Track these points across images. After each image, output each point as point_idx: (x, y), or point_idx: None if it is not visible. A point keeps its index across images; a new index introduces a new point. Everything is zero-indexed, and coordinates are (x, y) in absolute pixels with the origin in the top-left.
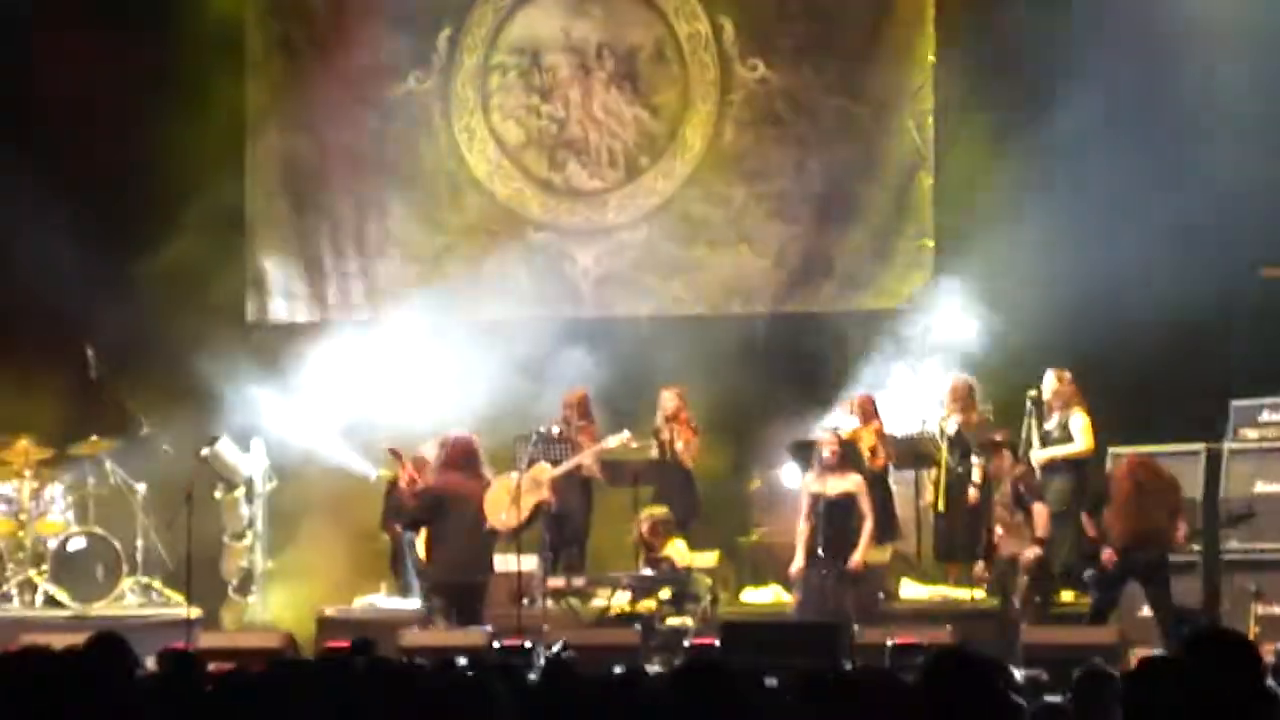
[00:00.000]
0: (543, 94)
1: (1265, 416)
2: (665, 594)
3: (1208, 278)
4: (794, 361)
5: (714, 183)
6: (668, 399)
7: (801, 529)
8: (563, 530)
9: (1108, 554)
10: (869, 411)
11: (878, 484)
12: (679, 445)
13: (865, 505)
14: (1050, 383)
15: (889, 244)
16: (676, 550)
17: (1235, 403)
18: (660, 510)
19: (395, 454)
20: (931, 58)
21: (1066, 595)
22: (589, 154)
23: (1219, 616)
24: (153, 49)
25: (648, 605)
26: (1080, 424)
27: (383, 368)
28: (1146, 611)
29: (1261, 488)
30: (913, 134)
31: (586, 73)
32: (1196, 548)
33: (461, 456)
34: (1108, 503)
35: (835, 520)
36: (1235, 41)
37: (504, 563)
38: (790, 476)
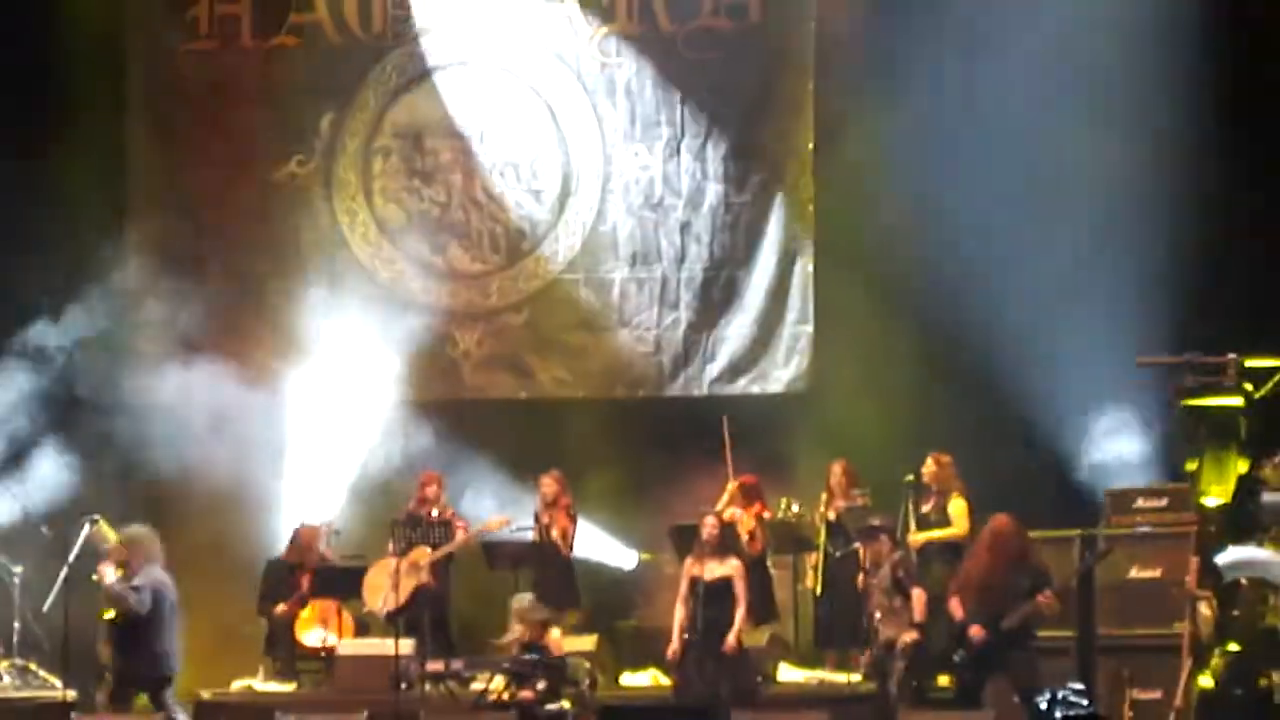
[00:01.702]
0: (424, 177)
1: (1139, 503)
2: (541, 684)
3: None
4: (675, 446)
5: (596, 267)
6: (547, 484)
7: (679, 612)
8: (433, 612)
9: (975, 629)
10: (750, 495)
11: (756, 568)
12: (555, 532)
13: (740, 589)
14: (929, 466)
15: (770, 329)
16: (553, 638)
17: (1109, 489)
18: (535, 611)
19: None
20: (811, 146)
21: (944, 680)
22: (470, 237)
23: (1094, 701)
24: (36, 129)
25: (526, 691)
26: (958, 508)
27: (258, 448)
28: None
29: (1136, 573)
30: (793, 221)
31: (468, 156)
32: (1069, 633)
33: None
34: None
35: (713, 604)
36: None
37: (382, 646)
38: (669, 560)
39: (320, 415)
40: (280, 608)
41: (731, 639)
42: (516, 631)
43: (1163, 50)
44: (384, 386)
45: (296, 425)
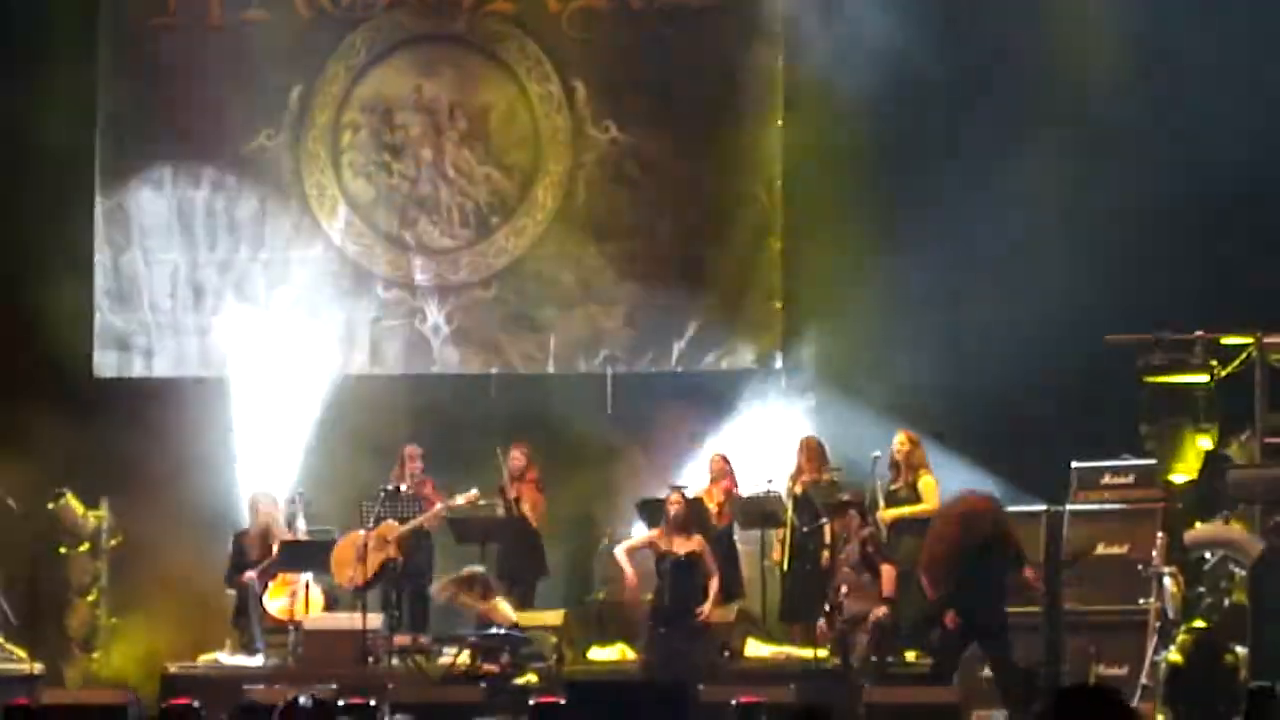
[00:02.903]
0: (394, 152)
1: (1107, 479)
2: (504, 657)
3: (1053, 341)
4: (643, 421)
5: (565, 242)
6: (515, 457)
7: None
8: (407, 586)
9: (950, 616)
10: (719, 471)
11: (722, 542)
12: (524, 505)
13: (711, 563)
14: (897, 443)
15: (738, 305)
16: (500, 611)
17: (1077, 465)
18: (472, 570)
19: None
20: (780, 122)
21: (911, 655)
22: (440, 212)
23: (1060, 676)
24: (3, 101)
25: (490, 665)
26: (927, 485)
27: (227, 423)
28: (988, 671)
29: (1102, 550)
30: (761, 198)
31: (438, 131)
32: (1036, 608)
33: None
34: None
35: (681, 579)
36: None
37: (350, 620)
38: (638, 535)
39: (275, 390)
40: (248, 574)
41: (707, 608)
42: (447, 595)
43: None
44: (348, 359)
45: (254, 399)
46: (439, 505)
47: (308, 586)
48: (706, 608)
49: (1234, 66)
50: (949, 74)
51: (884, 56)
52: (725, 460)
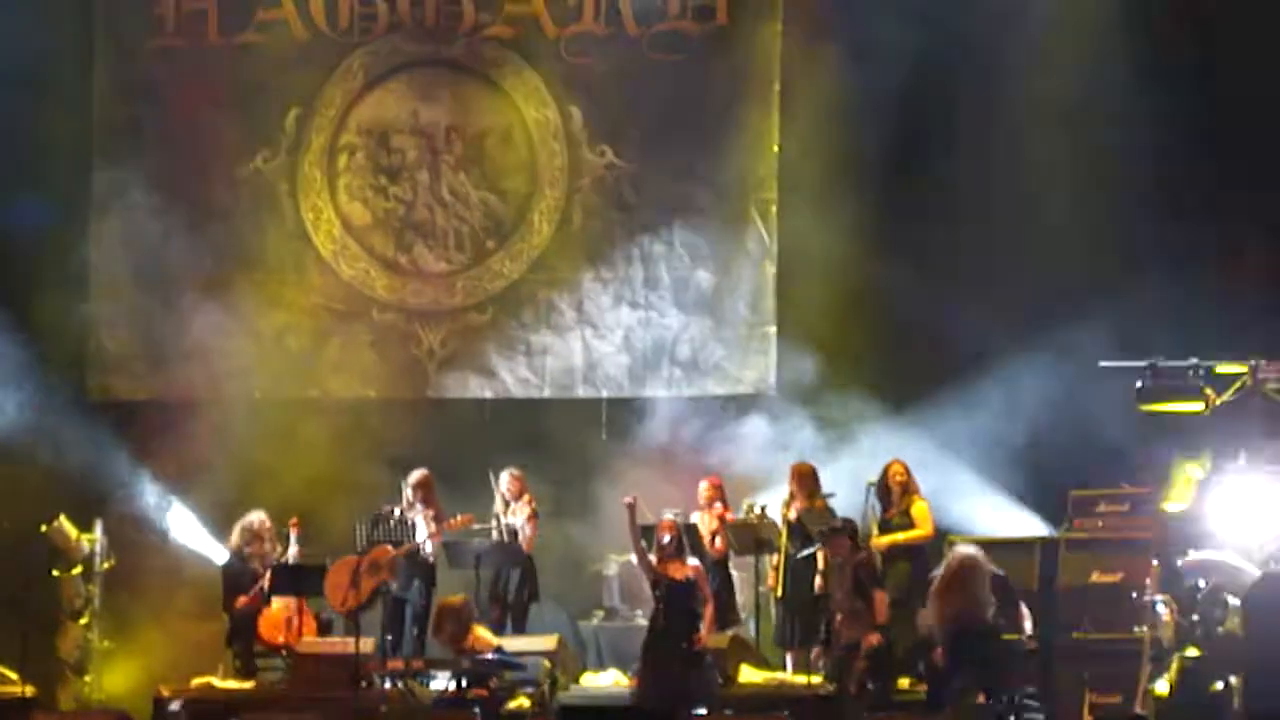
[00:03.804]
0: (390, 175)
1: (1102, 508)
2: (493, 682)
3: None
4: (638, 446)
5: (560, 267)
6: (509, 481)
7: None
8: (404, 613)
9: (938, 653)
10: (712, 497)
11: (718, 569)
12: (520, 528)
13: (706, 589)
14: (892, 471)
15: (733, 330)
16: (481, 638)
17: (1073, 493)
18: (454, 600)
19: None
20: (776, 148)
21: (904, 682)
22: (435, 236)
23: (1054, 705)
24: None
25: (479, 690)
26: (920, 510)
27: (228, 445)
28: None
29: (1098, 577)
30: (757, 223)
31: (434, 155)
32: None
33: None
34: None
35: (675, 605)
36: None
37: (342, 644)
38: (631, 560)
39: (268, 413)
40: (241, 600)
41: (703, 635)
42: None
43: None
44: (348, 385)
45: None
46: (431, 528)
47: (302, 611)
48: (703, 634)
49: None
50: (947, 104)
51: (884, 85)
52: (718, 486)
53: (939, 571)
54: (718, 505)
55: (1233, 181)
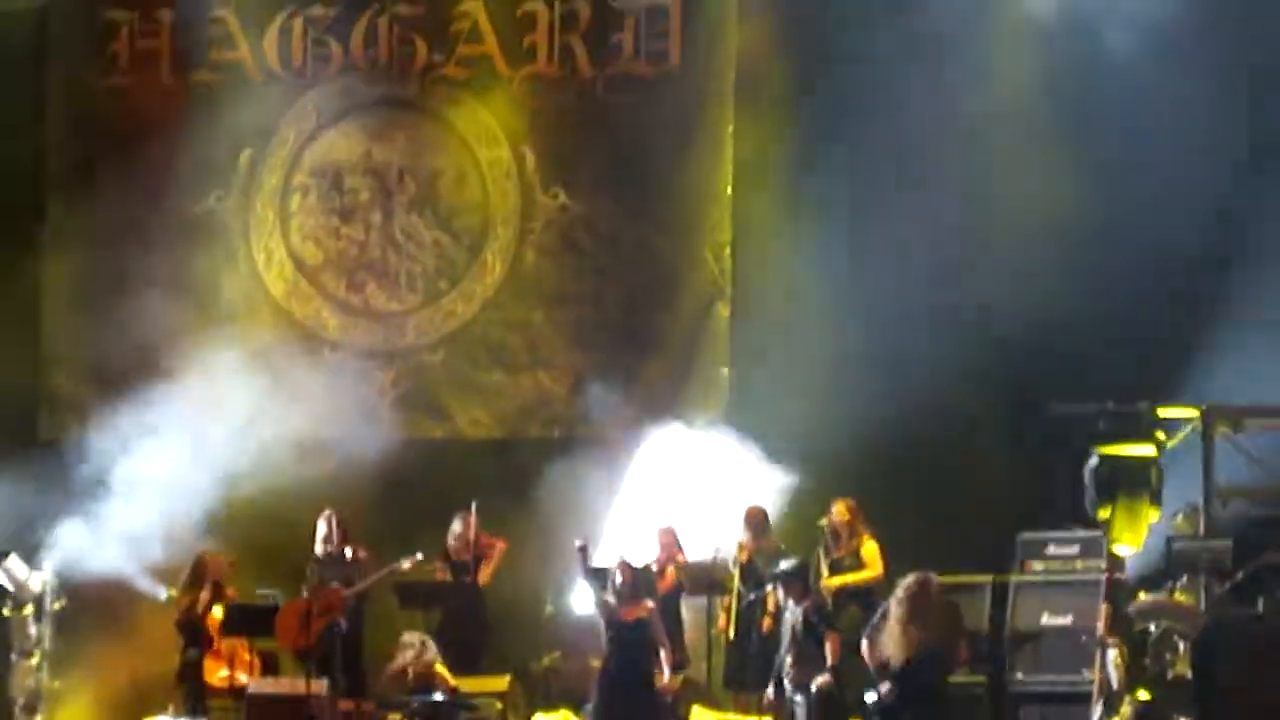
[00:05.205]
0: (343, 216)
1: (1052, 550)
2: None
3: (995, 410)
4: (590, 487)
5: (513, 307)
6: (462, 522)
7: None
8: (345, 650)
9: (886, 688)
10: (668, 543)
11: (668, 608)
12: (471, 568)
13: (661, 633)
14: (837, 512)
15: (686, 371)
16: (440, 674)
17: (1023, 535)
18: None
19: None
20: (729, 189)
21: None
22: (388, 276)
23: None
24: None
25: None
26: (870, 551)
27: (174, 485)
28: None
29: (1048, 620)
30: (710, 265)
31: (387, 195)
32: (981, 679)
33: None
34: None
35: (628, 645)
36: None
37: (293, 685)
38: (583, 602)
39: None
40: (190, 652)
41: (666, 678)
42: (403, 661)
43: None
44: (300, 425)
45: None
46: (391, 566)
47: (250, 651)
48: (666, 676)
49: (1191, 131)
50: (900, 135)
51: (839, 124)
52: (673, 533)
53: (897, 598)
54: (671, 550)
55: None
